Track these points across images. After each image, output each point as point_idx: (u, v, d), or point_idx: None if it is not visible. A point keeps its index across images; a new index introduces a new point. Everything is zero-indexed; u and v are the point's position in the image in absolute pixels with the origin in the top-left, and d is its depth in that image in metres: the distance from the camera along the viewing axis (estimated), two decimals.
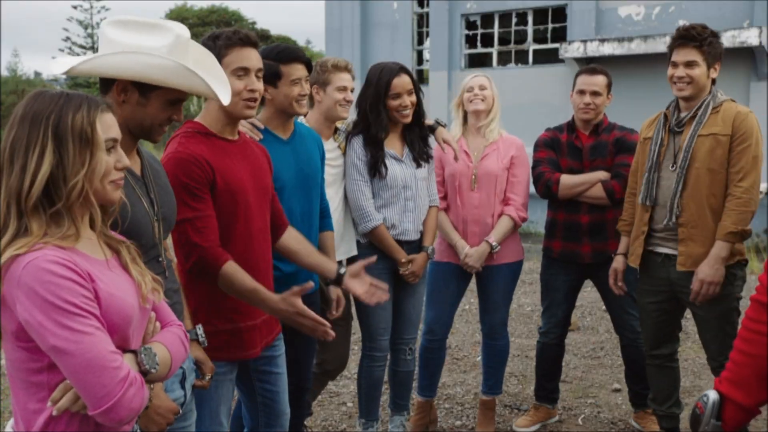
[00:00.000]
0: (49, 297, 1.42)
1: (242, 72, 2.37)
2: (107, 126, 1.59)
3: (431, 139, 3.58)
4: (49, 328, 1.42)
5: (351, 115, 3.46)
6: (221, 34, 2.40)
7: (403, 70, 3.39)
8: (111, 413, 1.45)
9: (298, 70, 2.80)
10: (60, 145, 1.51)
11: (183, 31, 2.00)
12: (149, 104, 1.96)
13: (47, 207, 1.51)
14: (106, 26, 1.97)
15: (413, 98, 3.39)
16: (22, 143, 1.50)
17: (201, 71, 1.97)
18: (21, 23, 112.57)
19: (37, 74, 46.96)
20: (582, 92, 3.73)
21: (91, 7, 36.21)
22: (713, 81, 3.24)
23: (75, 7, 36.54)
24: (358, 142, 3.37)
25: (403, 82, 3.34)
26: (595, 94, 3.70)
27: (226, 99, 2.10)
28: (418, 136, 3.48)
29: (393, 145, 3.44)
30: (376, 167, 3.34)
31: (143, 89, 1.94)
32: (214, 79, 2.07)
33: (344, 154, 3.41)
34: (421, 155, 3.46)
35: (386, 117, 3.37)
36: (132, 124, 1.97)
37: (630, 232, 3.48)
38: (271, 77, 2.73)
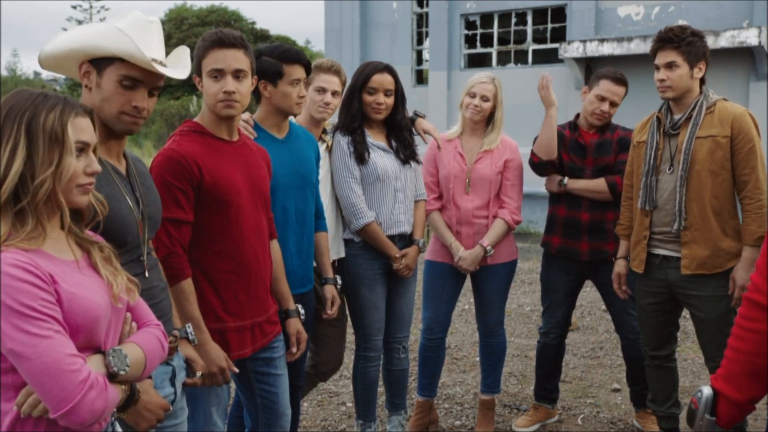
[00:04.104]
0: (6, 300, 1.42)
1: (217, 74, 2.38)
2: (79, 129, 1.58)
3: (417, 139, 3.59)
4: (6, 331, 1.42)
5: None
6: (205, 36, 2.41)
7: (388, 69, 3.38)
8: (72, 416, 1.45)
9: (298, 71, 2.80)
10: (30, 142, 1.51)
11: (142, 15, 2.01)
12: (103, 81, 1.94)
13: (13, 205, 1.51)
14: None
15: (390, 100, 3.37)
16: None
17: (158, 51, 1.98)
18: (21, 23, 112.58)
19: (37, 74, 46.92)
20: (603, 99, 3.68)
21: (91, 7, 36.23)
22: (702, 81, 3.23)
23: (74, 7, 36.64)
24: (341, 139, 3.38)
25: (382, 79, 3.34)
26: (613, 104, 3.69)
27: (176, 74, 2.05)
28: (400, 139, 3.48)
29: (379, 139, 3.45)
30: (358, 153, 3.33)
31: (99, 67, 1.94)
32: (172, 61, 2.09)
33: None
34: (406, 155, 3.46)
35: (359, 108, 3.36)
36: (100, 115, 1.93)
37: (629, 236, 3.48)
38: (272, 75, 2.76)
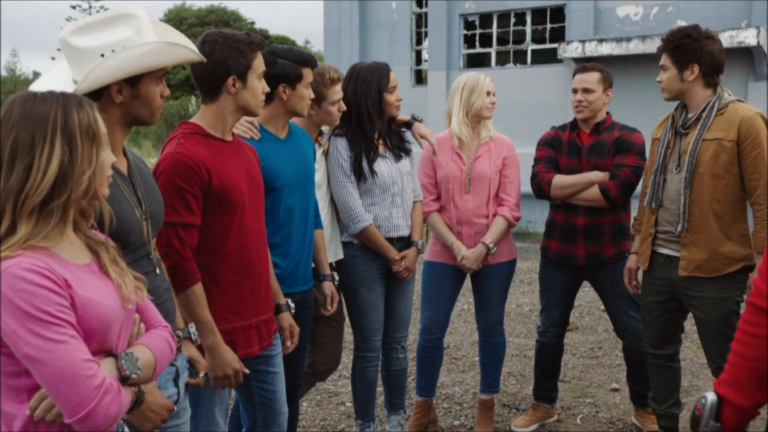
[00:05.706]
0: (23, 305, 1.42)
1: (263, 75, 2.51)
2: (102, 124, 1.61)
3: (409, 135, 3.62)
4: (23, 336, 1.42)
5: None
6: (237, 37, 2.42)
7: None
8: (87, 421, 1.45)
9: (311, 74, 2.89)
10: (70, 142, 1.52)
11: (140, 12, 2.03)
12: (142, 92, 1.99)
13: (43, 206, 1.51)
14: (69, 38, 1.96)
15: None
16: (26, 143, 1.50)
17: (175, 40, 2.06)
18: (21, 23, 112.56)
19: (36, 74, 46.89)
20: (575, 90, 3.73)
21: (90, 7, 36.17)
22: (710, 83, 3.18)
23: (74, 7, 36.49)
24: (341, 144, 3.38)
25: (394, 76, 3.46)
26: (586, 91, 3.68)
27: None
28: (393, 131, 3.53)
29: (378, 144, 3.46)
30: (361, 170, 3.35)
31: (133, 81, 1.96)
32: (166, 36, 2.13)
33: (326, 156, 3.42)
34: (400, 148, 3.51)
35: (386, 112, 3.42)
36: (132, 117, 2.01)
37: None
38: (293, 78, 2.82)
